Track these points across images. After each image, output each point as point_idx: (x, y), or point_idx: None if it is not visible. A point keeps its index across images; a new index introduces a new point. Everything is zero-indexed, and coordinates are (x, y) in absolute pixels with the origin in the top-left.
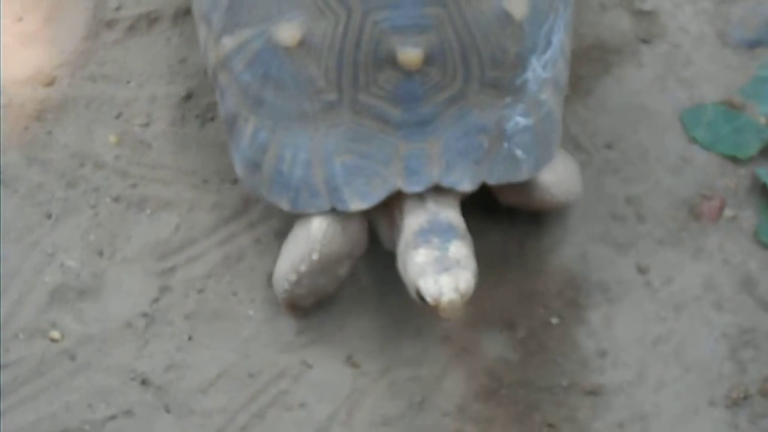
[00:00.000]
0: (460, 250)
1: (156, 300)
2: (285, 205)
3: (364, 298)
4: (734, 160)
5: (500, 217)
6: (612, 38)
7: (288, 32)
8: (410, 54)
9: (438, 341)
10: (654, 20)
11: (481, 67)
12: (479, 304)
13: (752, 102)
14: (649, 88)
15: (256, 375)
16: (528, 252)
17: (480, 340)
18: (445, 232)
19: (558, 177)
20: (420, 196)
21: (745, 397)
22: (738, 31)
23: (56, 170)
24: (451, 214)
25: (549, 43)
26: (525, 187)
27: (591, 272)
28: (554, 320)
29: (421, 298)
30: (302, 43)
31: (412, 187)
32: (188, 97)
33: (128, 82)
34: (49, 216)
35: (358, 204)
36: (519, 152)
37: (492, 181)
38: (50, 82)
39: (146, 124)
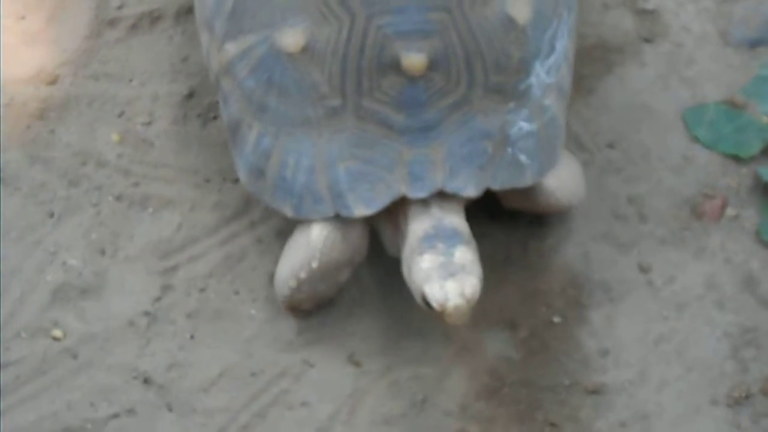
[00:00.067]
0: (466, 255)
1: (158, 299)
2: (288, 212)
3: (366, 297)
4: (736, 159)
5: (502, 216)
6: (614, 37)
7: (291, 38)
8: (414, 59)
9: (440, 340)
10: (656, 19)
11: (484, 72)
12: (481, 304)
13: (754, 101)
14: (651, 87)
15: (258, 374)
16: (530, 251)
17: (482, 339)
18: (450, 237)
19: (562, 181)
20: (424, 202)
21: (747, 397)
22: (740, 31)
23: (58, 169)
24: (455, 220)
25: (553, 48)
26: (529, 191)
27: (593, 271)
28: (556, 319)
29: (427, 304)
30: (306, 49)
31: (416, 193)
32: (190, 95)
33: (130, 80)
34: (52, 215)
35: (362, 210)
36: (523, 157)
37: (496, 186)
38: (53, 81)
39: (148, 123)
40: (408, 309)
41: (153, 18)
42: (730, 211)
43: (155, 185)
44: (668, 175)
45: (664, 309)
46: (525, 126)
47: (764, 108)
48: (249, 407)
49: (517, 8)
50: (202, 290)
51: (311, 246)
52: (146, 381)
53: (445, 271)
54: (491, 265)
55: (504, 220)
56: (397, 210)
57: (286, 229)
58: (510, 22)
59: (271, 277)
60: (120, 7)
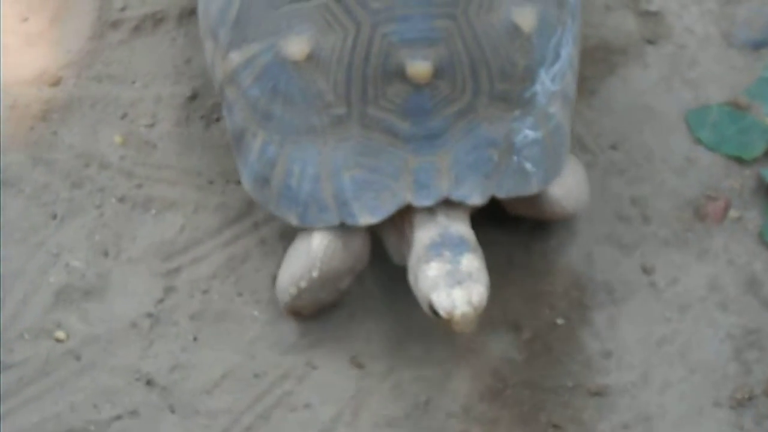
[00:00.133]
0: (472, 262)
1: (161, 300)
2: (293, 220)
3: (369, 299)
4: (739, 160)
5: (505, 218)
6: (617, 39)
7: (296, 46)
8: (419, 67)
9: (443, 342)
10: (659, 21)
11: (490, 80)
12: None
13: (757, 103)
14: (654, 88)
15: (261, 376)
16: (533, 253)
17: (485, 341)
18: (457, 245)
19: (567, 189)
20: (430, 210)
21: (750, 398)
22: (743, 32)
23: (61, 170)
24: (461, 227)
25: (557, 56)
26: (534, 199)
27: (596, 273)
28: (559, 321)
29: (434, 312)
30: (311, 57)
31: (421, 201)
32: (193, 97)
33: (133, 82)
34: (55, 216)
35: (367, 218)
36: (528, 165)
37: (501, 194)
38: (56, 83)
39: (151, 125)
40: (411, 311)
41: (156, 20)
42: (733, 213)
43: (158, 187)
44: (671, 177)
45: (667, 310)
46: (530, 134)
47: None
48: (252, 409)
49: (522, 16)
50: (205, 292)
51: (311, 255)
52: (149, 382)
53: (452, 279)
54: (494, 267)
55: (506, 222)
56: (403, 218)
57: (289, 230)
58: (515, 30)
59: (274, 278)
60: (123, 9)
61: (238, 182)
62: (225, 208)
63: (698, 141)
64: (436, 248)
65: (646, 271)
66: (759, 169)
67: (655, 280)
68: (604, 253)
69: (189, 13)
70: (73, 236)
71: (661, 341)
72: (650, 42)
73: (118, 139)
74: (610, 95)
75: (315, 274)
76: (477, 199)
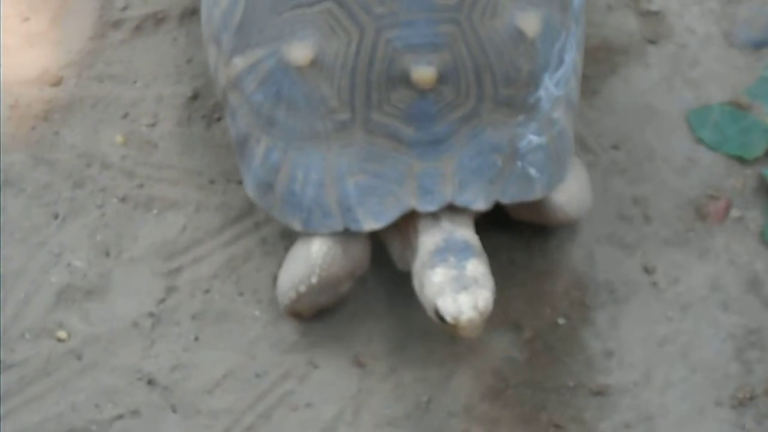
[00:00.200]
0: (478, 268)
1: (162, 300)
2: (297, 226)
3: (371, 299)
4: (741, 160)
5: (500, 210)
6: (618, 38)
7: (300, 52)
8: (424, 72)
9: (444, 342)
10: (660, 21)
11: (494, 85)
12: None
13: (759, 102)
14: (655, 88)
15: (263, 375)
16: (534, 253)
17: (486, 341)
18: (462, 250)
19: (570, 195)
20: (434, 215)
21: (752, 398)
22: (744, 32)
23: (63, 170)
24: (466, 233)
25: (561, 61)
26: (537, 205)
27: (597, 273)
28: (560, 321)
29: (440, 318)
30: (314, 63)
31: (425, 207)
32: (195, 97)
33: (135, 82)
34: (56, 216)
35: (371, 224)
36: (532, 171)
37: (505, 200)
38: (57, 83)
39: (153, 125)
40: (412, 311)
41: (157, 19)
42: (734, 213)
43: (160, 187)
44: (673, 177)
45: (668, 310)
46: (534, 139)
47: None
48: (253, 408)
49: (526, 21)
50: (206, 291)
51: (310, 261)
52: (150, 382)
53: (457, 285)
54: (495, 267)
55: (508, 222)
56: (407, 224)
57: (290, 230)
58: (519, 35)
59: (275, 278)
60: (124, 9)
61: (240, 182)
62: (226, 207)
63: (699, 141)
64: (441, 254)
65: (648, 270)
66: (760, 169)
67: (657, 280)
68: (606, 253)
69: (190, 13)
70: (74, 236)
71: (662, 341)
72: (651, 42)
73: (119, 138)
74: (612, 95)
75: (314, 280)
76: (481, 205)
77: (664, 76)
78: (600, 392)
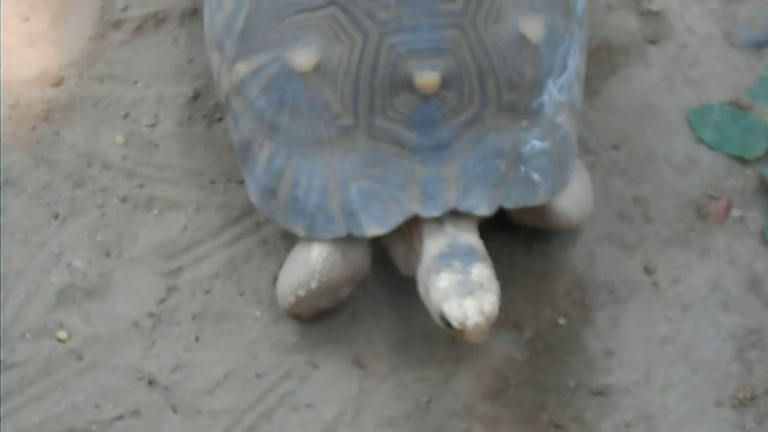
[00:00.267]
0: (483, 272)
1: (163, 300)
2: (301, 231)
3: (371, 300)
4: (741, 160)
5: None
6: (619, 38)
7: (303, 57)
8: (427, 77)
9: (444, 342)
10: (661, 20)
11: (497, 90)
12: None
13: (759, 102)
14: (656, 88)
15: (263, 375)
16: (535, 253)
17: (487, 341)
18: (466, 255)
19: (573, 200)
20: (438, 220)
21: (752, 398)
22: (745, 32)
23: (63, 170)
24: (470, 237)
25: (565, 66)
26: (539, 209)
27: (598, 272)
28: (561, 321)
29: (446, 323)
30: (318, 68)
31: (429, 212)
32: (195, 97)
33: (135, 82)
34: (57, 216)
35: (374, 229)
36: (536, 176)
37: (509, 205)
38: (58, 83)
39: (153, 125)
40: (413, 311)
41: (158, 20)
42: (735, 213)
43: (160, 187)
44: (673, 176)
45: (669, 310)
46: (538, 144)
47: None
48: (254, 408)
49: (530, 26)
50: (207, 292)
51: (310, 267)
52: (151, 382)
53: (463, 289)
54: (496, 267)
55: (507, 220)
56: (410, 229)
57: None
58: (523, 40)
59: (276, 278)
60: (125, 9)
61: (240, 182)
62: (227, 207)
63: (700, 140)
64: (446, 259)
65: (648, 270)
66: (761, 169)
67: (657, 280)
68: (606, 253)
69: (191, 13)
70: (75, 236)
71: (663, 341)
72: (652, 42)
73: (120, 139)
74: (612, 95)
75: (313, 285)
76: (484, 210)
77: (664, 75)
78: (600, 392)
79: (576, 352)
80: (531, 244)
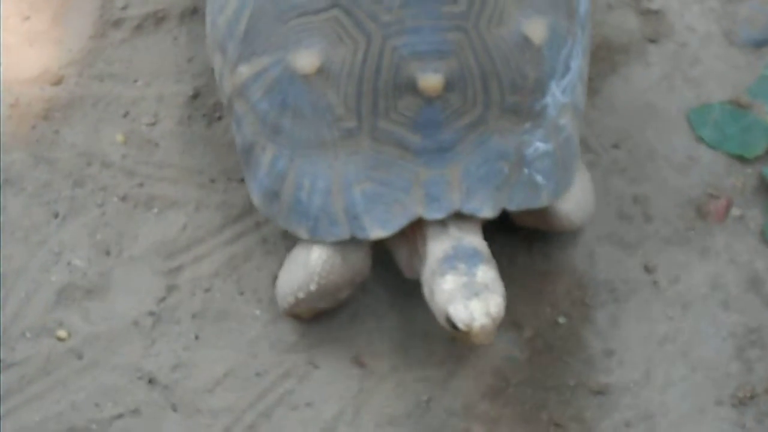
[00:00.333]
0: (488, 273)
1: (163, 299)
2: (304, 234)
3: (371, 299)
4: (741, 159)
5: (504, 215)
6: (619, 37)
7: (306, 60)
8: (431, 80)
9: (445, 341)
10: (661, 19)
11: (501, 92)
12: None
13: (759, 101)
14: (656, 87)
15: (263, 374)
16: (534, 252)
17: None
18: (471, 257)
19: (575, 203)
20: (442, 223)
21: (752, 397)
22: (745, 31)
23: (63, 169)
24: (474, 239)
25: (568, 68)
26: (542, 212)
27: (598, 272)
28: (561, 320)
29: (452, 326)
30: (321, 71)
31: (432, 214)
32: (195, 96)
33: (135, 81)
34: (56, 215)
35: (378, 232)
36: (539, 178)
37: (512, 207)
38: (57, 81)
39: (153, 123)
40: (413, 310)
41: (158, 18)
42: (734, 211)
43: (160, 185)
44: (673, 175)
45: (668, 309)
46: (541, 146)
47: None
48: (254, 407)
49: (533, 28)
50: (207, 290)
51: (309, 269)
52: (151, 381)
53: (468, 291)
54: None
55: (507, 219)
56: (414, 232)
57: None
58: (526, 42)
59: (276, 278)
60: (125, 8)
61: (240, 180)
62: (227, 206)
63: (700, 139)
64: (450, 261)
65: (648, 269)
66: (761, 168)
67: (657, 279)
68: (606, 252)
69: (191, 12)
70: (74, 235)
71: (662, 340)
72: (652, 40)
73: (119, 137)
74: (612, 94)
75: (313, 287)
76: (488, 212)
77: (664, 74)
78: (600, 391)
79: (576, 351)
80: (531, 244)
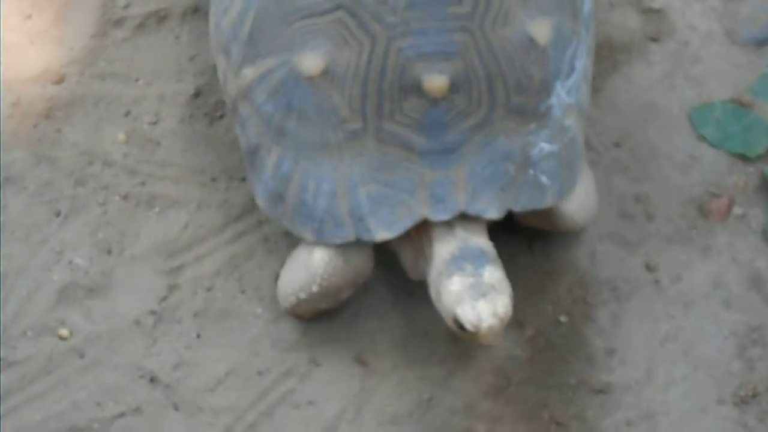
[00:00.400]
0: (494, 274)
1: (164, 298)
2: (309, 236)
3: (373, 298)
4: (743, 158)
5: (508, 215)
6: (620, 36)
7: (311, 61)
8: (436, 81)
9: (446, 340)
10: (662, 18)
11: (506, 93)
12: None
13: (761, 100)
14: (657, 86)
15: (265, 373)
16: (536, 251)
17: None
18: (477, 257)
19: (579, 203)
20: (448, 224)
21: (754, 395)
22: (746, 29)
23: (65, 168)
24: (480, 240)
25: (572, 68)
26: (547, 213)
27: (600, 270)
28: (563, 318)
29: (460, 326)
30: (326, 73)
31: (438, 216)
32: (197, 95)
33: (137, 80)
34: (58, 214)
35: (383, 234)
36: (544, 179)
37: (517, 208)
38: (59, 80)
39: (155, 122)
40: (415, 309)
41: (159, 17)
42: (736, 210)
43: (162, 184)
44: (675, 174)
45: (670, 308)
46: (546, 147)
47: None
48: (255, 406)
49: (538, 29)
50: (208, 289)
51: (311, 270)
52: (153, 380)
53: (475, 292)
54: None
55: (509, 218)
56: (419, 233)
57: None
58: (531, 43)
59: (278, 276)
60: (126, 7)
61: (242, 179)
62: (228, 205)
63: (702, 138)
64: (457, 262)
65: (650, 268)
66: (762, 167)
67: (659, 278)
68: (608, 251)
69: (192, 11)
70: (76, 234)
71: (664, 338)
72: (653, 39)
73: (121, 136)
74: (614, 93)
75: (314, 288)
76: (494, 213)
77: (666, 73)
78: (602, 390)
79: (578, 349)
80: (533, 243)
